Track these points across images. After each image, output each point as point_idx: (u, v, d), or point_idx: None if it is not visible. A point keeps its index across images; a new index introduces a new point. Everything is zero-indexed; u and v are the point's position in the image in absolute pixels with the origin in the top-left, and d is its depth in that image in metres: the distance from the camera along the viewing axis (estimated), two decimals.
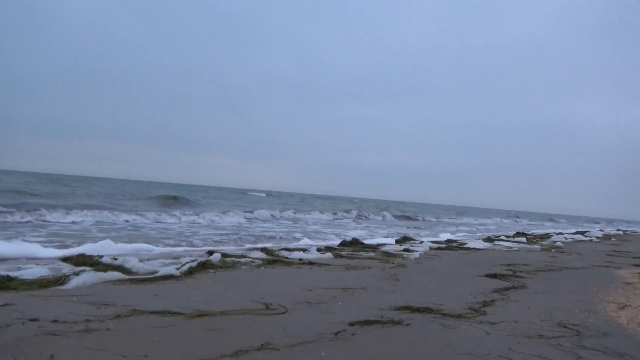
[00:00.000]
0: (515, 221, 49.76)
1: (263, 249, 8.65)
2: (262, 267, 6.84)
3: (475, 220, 41.62)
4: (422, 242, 12.91)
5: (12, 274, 5.05)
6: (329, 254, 8.61)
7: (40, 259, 6.45)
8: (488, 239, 15.95)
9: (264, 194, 62.90)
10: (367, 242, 11.94)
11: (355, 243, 11.10)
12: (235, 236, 12.68)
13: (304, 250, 8.88)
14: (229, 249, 9.51)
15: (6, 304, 3.86)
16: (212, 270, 6.23)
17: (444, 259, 9.45)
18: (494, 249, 12.72)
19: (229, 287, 5.19)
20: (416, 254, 9.56)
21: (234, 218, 19.39)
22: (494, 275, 7.13)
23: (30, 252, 6.63)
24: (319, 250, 9.06)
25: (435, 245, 12.03)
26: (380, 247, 10.86)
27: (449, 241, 14.20)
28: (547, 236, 20.96)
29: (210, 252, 7.23)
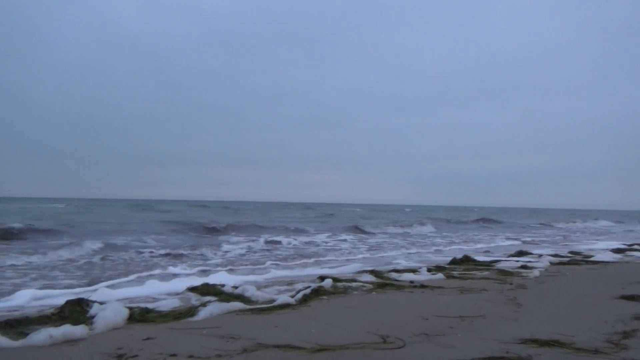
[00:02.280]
0: None
1: (372, 272, 8.65)
2: (374, 292, 6.83)
3: None
4: (540, 255, 12.05)
5: (150, 305, 5.59)
6: (440, 275, 8.38)
7: None
8: (617, 250, 14.42)
9: (409, 209, 64.40)
10: (479, 258, 11.40)
11: (466, 261, 10.66)
12: None
13: (414, 271, 8.73)
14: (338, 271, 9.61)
15: (148, 338, 4.28)
16: (325, 297, 6.36)
17: (568, 276, 8.72)
18: (627, 262, 11.46)
19: (344, 317, 5.26)
20: (536, 272, 8.93)
21: None
22: (631, 297, 6.41)
23: None
24: (429, 270, 8.85)
25: (557, 260, 11.15)
26: (494, 264, 10.31)
27: (572, 254, 13.08)
28: None
29: (322, 278, 7.39)
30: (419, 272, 8.60)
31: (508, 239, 20.88)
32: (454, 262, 10.59)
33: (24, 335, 4.26)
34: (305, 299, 6.08)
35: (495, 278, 8.30)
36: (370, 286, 7.25)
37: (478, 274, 8.85)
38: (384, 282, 7.66)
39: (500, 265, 9.94)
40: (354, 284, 7.32)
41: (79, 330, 4.30)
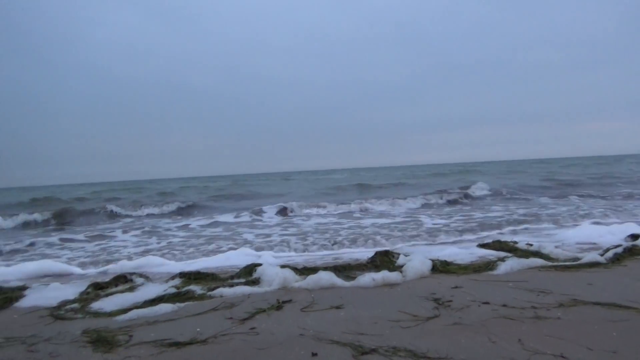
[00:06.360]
0: None
1: None
2: None
3: None
4: None
5: (448, 259, 5.91)
6: None
7: None
8: None
9: None
10: None
11: None
12: None
13: None
14: None
15: (456, 287, 4.55)
16: None
17: None
18: None
19: None
20: None
21: None
22: None
23: None
24: None
25: None
26: None
27: None
28: None
29: (635, 236, 6.44)
30: None
31: None
32: None
33: (351, 278, 5.09)
34: (617, 258, 5.43)
35: None
36: None
37: None
38: None
39: None
40: None
41: (394, 276, 4.89)
